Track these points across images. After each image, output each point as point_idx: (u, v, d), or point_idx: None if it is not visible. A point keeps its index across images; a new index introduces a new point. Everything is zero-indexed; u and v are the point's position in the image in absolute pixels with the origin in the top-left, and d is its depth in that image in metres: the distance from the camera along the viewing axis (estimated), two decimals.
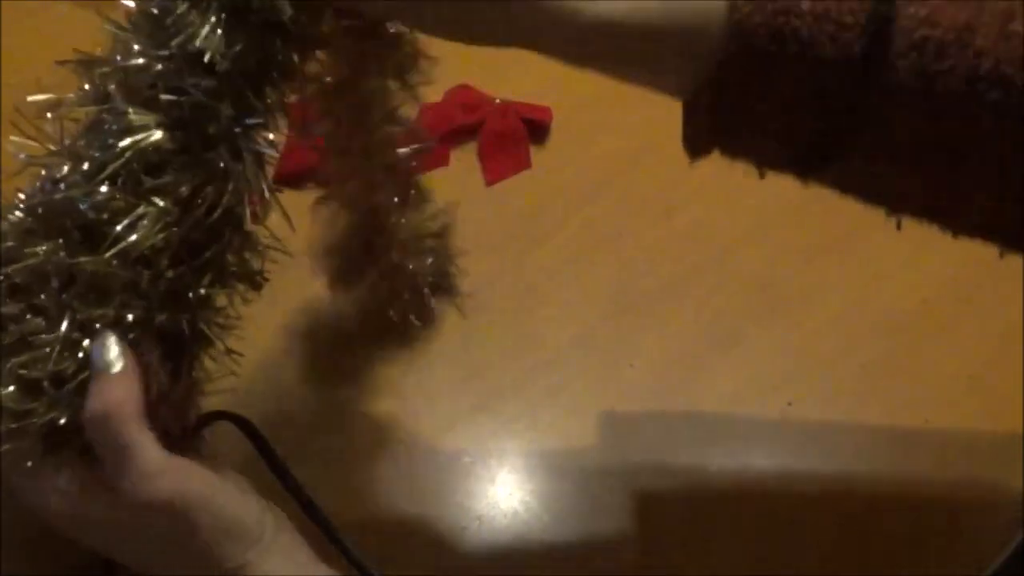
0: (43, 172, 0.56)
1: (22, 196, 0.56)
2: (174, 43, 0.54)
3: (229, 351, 0.56)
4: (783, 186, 0.81)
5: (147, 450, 0.51)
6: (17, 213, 0.56)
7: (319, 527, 0.58)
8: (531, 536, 0.66)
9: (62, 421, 0.52)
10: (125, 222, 0.53)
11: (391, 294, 0.71)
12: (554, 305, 0.76)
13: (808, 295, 0.77)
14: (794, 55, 0.51)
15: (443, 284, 0.74)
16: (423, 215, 0.70)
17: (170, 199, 0.54)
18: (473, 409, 0.71)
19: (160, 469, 0.51)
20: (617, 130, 0.84)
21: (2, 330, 0.54)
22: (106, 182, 0.54)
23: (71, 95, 0.56)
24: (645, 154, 0.82)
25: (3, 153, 0.81)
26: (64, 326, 0.53)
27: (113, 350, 0.53)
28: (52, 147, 0.56)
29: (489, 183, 0.68)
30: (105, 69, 0.55)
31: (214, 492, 0.52)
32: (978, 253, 0.79)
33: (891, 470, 0.69)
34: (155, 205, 0.54)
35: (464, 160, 0.83)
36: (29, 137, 0.56)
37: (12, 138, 0.56)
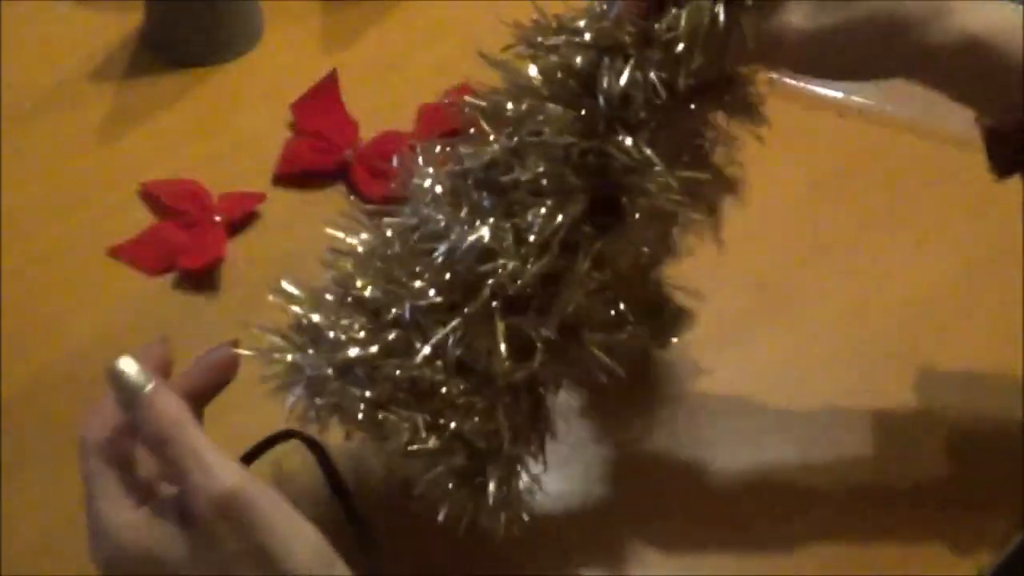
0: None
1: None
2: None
3: None
4: (784, 186, 0.81)
5: (213, 449, 0.51)
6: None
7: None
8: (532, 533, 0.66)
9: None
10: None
11: None
12: None
13: (808, 295, 0.77)
14: None
15: None
16: None
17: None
18: None
19: (226, 462, 0.51)
20: None
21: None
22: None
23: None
24: None
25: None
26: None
27: (136, 370, 0.53)
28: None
29: None
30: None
31: (280, 500, 0.52)
32: (979, 253, 0.80)
33: (891, 470, 0.69)
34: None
35: None
36: None
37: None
